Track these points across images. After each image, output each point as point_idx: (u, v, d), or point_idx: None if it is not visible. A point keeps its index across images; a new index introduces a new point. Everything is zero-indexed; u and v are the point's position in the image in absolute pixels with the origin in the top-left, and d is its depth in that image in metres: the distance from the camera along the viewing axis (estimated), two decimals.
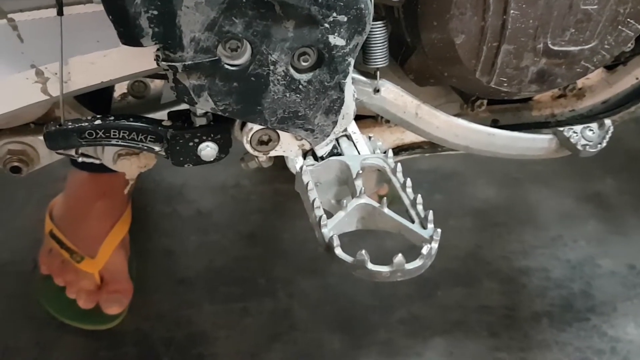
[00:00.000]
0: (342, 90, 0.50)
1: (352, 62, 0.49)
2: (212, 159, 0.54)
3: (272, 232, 0.97)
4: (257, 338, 0.83)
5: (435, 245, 0.45)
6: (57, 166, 0.86)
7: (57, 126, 0.51)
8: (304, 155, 0.55)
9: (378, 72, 0.54)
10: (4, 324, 0.82)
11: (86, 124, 0.51)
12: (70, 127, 0.51)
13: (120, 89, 0.63)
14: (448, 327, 0.85)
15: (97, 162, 0.58)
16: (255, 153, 0.55)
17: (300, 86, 0.49)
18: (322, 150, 0.54)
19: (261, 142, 0.54)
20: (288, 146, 0.54)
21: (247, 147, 0.54)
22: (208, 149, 0.54)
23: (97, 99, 0.61)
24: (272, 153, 0.55)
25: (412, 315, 0.86)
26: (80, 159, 0.55)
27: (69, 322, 0.82)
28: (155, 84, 0.63)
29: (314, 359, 0.81)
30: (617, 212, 1.02)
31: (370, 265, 0.44)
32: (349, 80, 0.50)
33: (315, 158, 0.55)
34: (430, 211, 0.47)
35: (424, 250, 0.45)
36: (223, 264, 0.91)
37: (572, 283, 0.91)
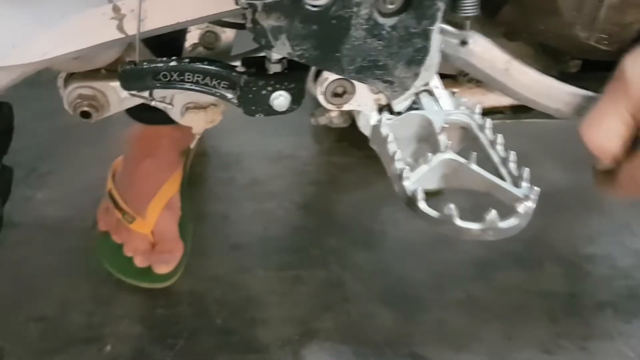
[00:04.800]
0: (427, 39, 0.47)
1: (442, 7, 0.46)
2: (284, 109, 0.53)
3: (327, 204, 0.96)
4: (309, 306, 0.81)
5: (532, 204, 0.42)
6: (122, 127, 0.87)
7: (133, 65, 0.50)
8: (379, 111, 0.53)
9: (468, 22, 0.50)
10: (64, 277, 0.83)
11: (161, 64, 0.50)
12: (145, 67, 0.50)
13: (191, 39, 0.62)
14: (507, 311, 0.82)
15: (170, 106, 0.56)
16: (329, 106, 0.53)
17: (384, 32, 0.47)
18: (399, 105, 0.52)
19: (335, 95, 0.52)
20: (363, 100, 0.52)
21: (321, 98, 0.52)
22: (281, 99, 0.52)
23: (168, 48, 0.60)
24: (346, 107, 0.53)
25: (469, 296, 0.84)
26: (153, 103, 0.54)
27: (126, 279, 0.82)
28: (227, 35, 0.62)
29: (365, 331, 0.79)
30: None
31: (458, 222, 0.41)
32: (436, 27, 0.47)
33: (392, 114, 0.52)
34: (527, 169, 0.44)
35: (520, 209, 0.42)
36: (277, 232, 0.91)
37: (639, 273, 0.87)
